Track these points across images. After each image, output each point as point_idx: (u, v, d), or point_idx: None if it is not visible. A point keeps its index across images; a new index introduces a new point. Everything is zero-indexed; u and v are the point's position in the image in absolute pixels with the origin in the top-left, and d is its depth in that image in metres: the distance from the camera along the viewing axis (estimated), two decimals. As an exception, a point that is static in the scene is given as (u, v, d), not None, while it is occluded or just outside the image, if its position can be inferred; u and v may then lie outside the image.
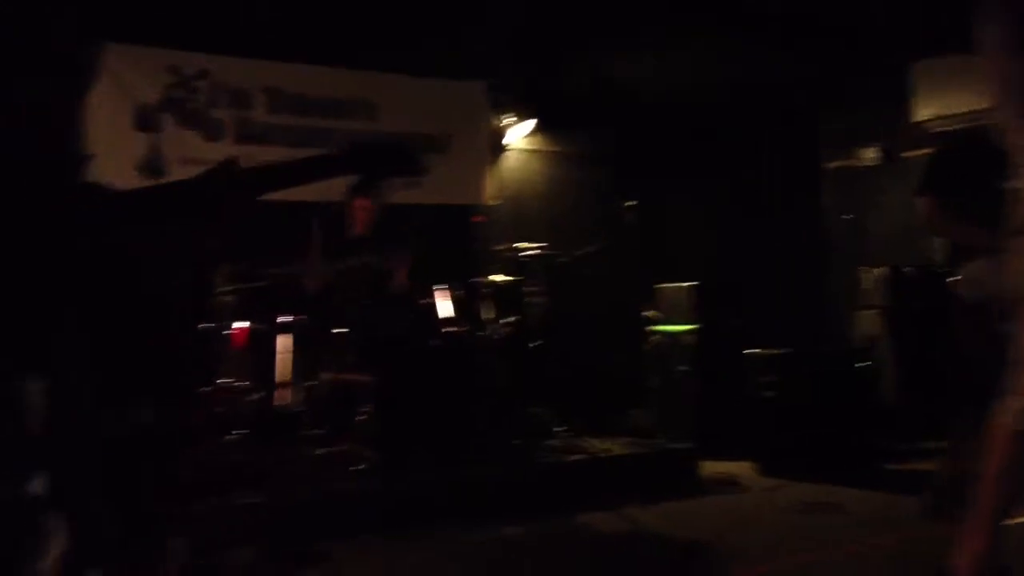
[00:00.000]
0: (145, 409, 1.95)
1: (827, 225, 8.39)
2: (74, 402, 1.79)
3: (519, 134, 7.94)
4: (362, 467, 4.99)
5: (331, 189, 4.61)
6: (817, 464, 5.83)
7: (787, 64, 7.42)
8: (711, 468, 5.95)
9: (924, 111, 7.48)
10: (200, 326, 5.18)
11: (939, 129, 7.15)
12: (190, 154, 6.33)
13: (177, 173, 6.26)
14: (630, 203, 6.69)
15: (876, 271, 6.85)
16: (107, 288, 1.81)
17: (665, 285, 7.15)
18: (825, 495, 5.35)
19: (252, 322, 5.40)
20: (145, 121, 6.19)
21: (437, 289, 5.66)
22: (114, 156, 5.73)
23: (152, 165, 6.14)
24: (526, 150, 8.17)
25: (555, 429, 5.81)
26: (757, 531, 4.66)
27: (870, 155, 7.54)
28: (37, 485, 1.72)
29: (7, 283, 1.66)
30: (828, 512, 5.00)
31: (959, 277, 4.21)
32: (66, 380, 1.77)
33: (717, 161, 8.42)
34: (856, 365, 6.22)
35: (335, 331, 5.39)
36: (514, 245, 6.36)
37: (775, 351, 6.23)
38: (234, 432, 5.01)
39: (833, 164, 8.27)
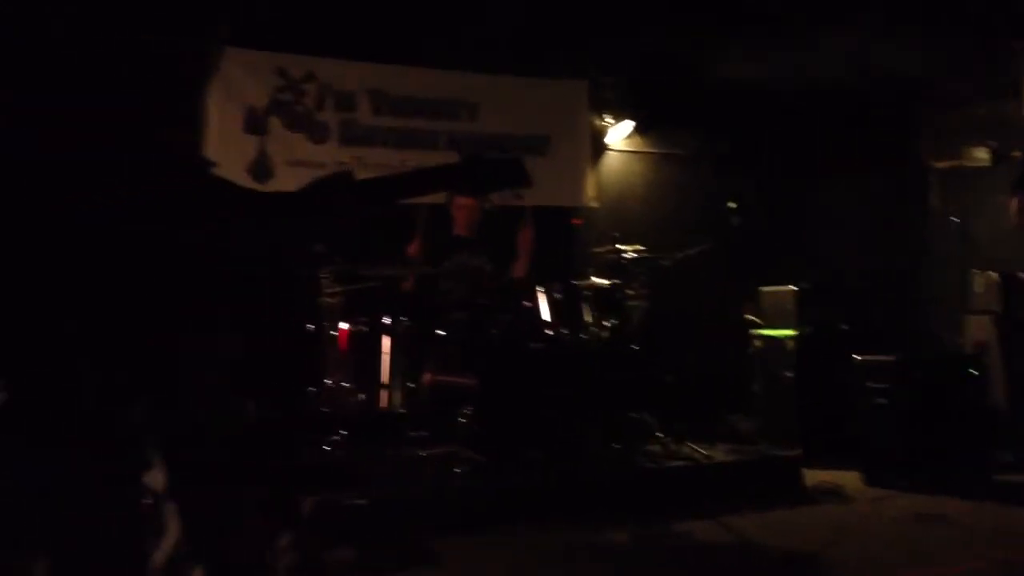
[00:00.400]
0: (260, 406, 1.97)
1: (934, 227, 8.16)
2: (195, 396, 1.82)
3: (620, 134, 7.89)
4: (464, 468, 5.01)
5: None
6: (926, 474, 5.66)
7: (896, 58, 7.22)
8: (815, 476, 5.81)
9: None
10: (307, 326, 5.27)
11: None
12: (296, 156, 6.46)
13: (283, 175, 6.40)
14: (732, 204, 6.59)
15: (988, 275, 6.62)
16: (232, 284, 1.84)
17: (768, 288, 7.03)
18: (935, 506, 5.19)
19: (356, 323, 5.47)
20: (254, 124, 6.33)
21: (538, 291, 5.66)
22: (226, 159, 5.83)
23: (260, 168, 6.28)
24: (626, 150, 8.11)
25: (657, 434, 5.75)
26: (865, 543, 4.54)
27: (980, 155, 7.31)
28: (152, 478, 1.76)
29: (145, 277, 1.69)
30: (939, 524, 4.85)
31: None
32: (190, 374, 1.80)
33: (821, 161, 8.24)
34: (966, 372, 6.03)
35: (438, 332, 5.43)
36: (615, 247, 6.31)
37: (886, 357, 6.06)
38: (338, 432, 5.08)
39: (941, 164, 8.03)
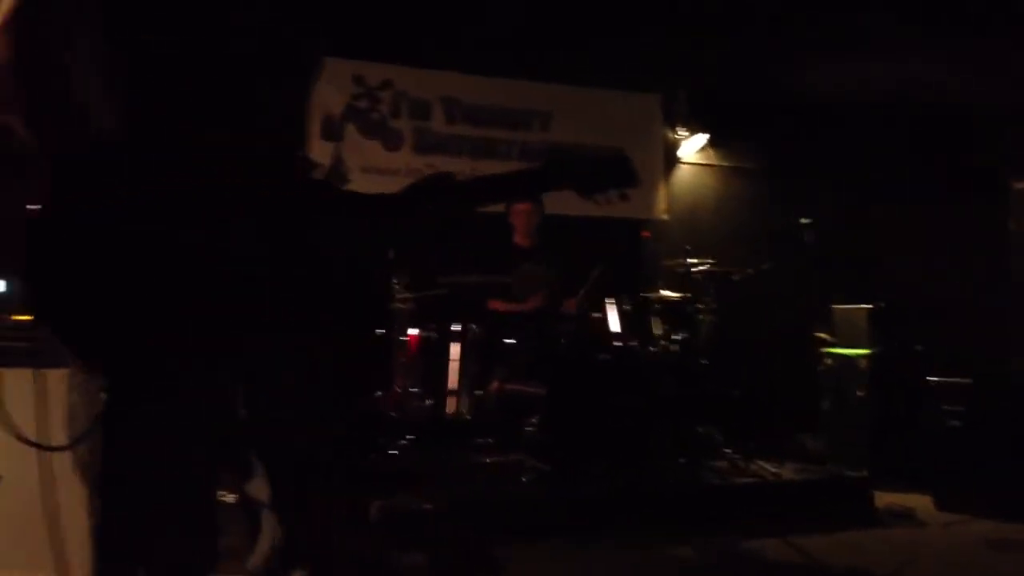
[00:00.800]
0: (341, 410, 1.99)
1: (1013, 249, 7.98)
2: (295, 405, 1.84)
3: (692, 148, 7.87)
4: (529, 477, 5.01)
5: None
6: (999, 500, 5.54)
7: (977, 77, 7.11)
8: (884, 499, 5.71)
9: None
10: (380, 331, 5.33)
11: None
12: (370, 163, 6.53)
13: (357, 181, 6.46)
14: (806, 220, 6.52)
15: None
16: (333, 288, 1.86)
17: (841, 306, 6.94)
18: (1009, 533, 5.07)
19: (425, 329, 5.52)
20: (330, 130, 6.41)
21: (607, 302, 5.65)
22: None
23: (336, 174, 6.35)
24: (698, 164, 8.08)
25: (724, 450, 5.69)
26: (937, 569, 4.46)
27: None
28: (254, 485, 1.79)
29: (249, 279, 1.71)
30: (1012, 551, 4.75)
31: None
32: (289, 383, 1.82)
33: (897, 179, 8.13)
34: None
35: (506, 340, 5.44)
36: (685, 261, 6.28)
37: (962, 380, 5.95)
38: (405, 437, 5.11)
39: (1022, 185, 7.87)
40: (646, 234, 7.29)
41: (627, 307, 5.71)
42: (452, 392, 5.39)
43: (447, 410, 5.37)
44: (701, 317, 6.10)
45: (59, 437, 1.79)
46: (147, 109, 1.71)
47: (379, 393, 5.18)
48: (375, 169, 6.57)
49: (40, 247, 1.59)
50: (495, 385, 5.46)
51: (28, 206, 1.60)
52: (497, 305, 5.83)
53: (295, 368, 1.81)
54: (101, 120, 1.70)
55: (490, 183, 1.98)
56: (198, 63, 1.74)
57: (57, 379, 1.79)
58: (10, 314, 3.54)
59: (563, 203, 5.91)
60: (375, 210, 1.92)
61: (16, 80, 1.64)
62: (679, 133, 7.79)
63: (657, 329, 5.76)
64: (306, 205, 1.84)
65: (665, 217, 7.66)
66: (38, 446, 1.89)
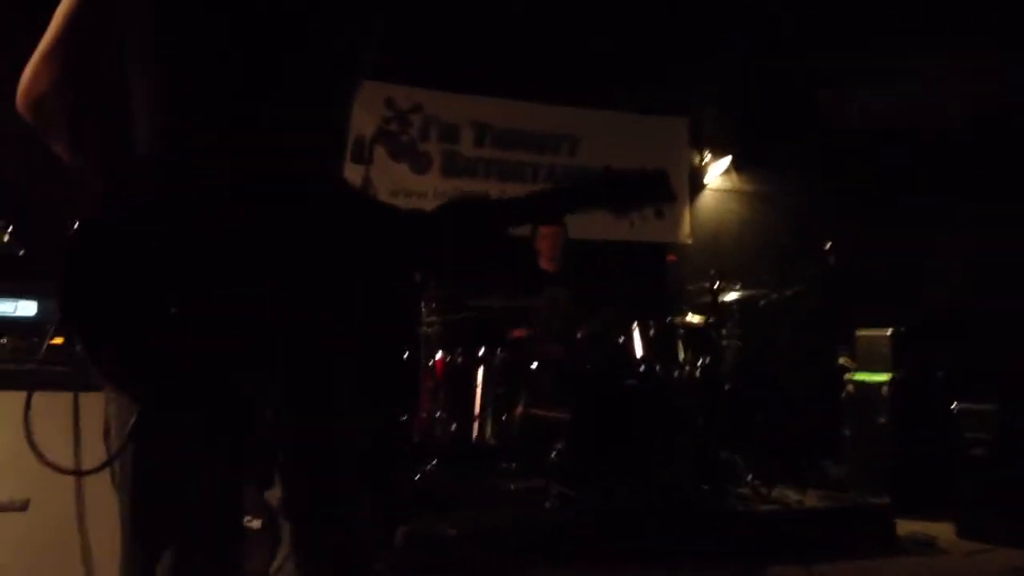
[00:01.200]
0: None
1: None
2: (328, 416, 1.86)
3: (716, 172, 7.90)
4: (553, 502, 5.04)
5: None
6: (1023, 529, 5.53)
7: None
8: (907, 526, 5.70)
9: None
10: (406, 355, 5.38)
11: None
12: (399, 186, 6.60)
13: (385, 203, 6.53)
14: (829, 245, 6.53)
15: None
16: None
17: (864, 331, 6.94)
18: (1035, 564, 5.08)
19: (451, 353, 5.56)
20: (359, 153, 6.47)
21: (633, 327, 5.68)
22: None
23: (366, 197, 6.42)
24: (722, 189, 8.11)
25: (748, 477, 5.70)
26: (959, 599, 4.47)
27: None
28: (272, 495, 1.82)
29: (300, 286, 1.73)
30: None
31: None
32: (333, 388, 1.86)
33: (921, 204, 8.11)
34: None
35: (532, 365, 5.48)
36: (712, 286, 6.30)
37: (985, 406, 5.94)
38: (430, 461, 5.16)
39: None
40: (672, 258, 7.32)
41: (652, 332, 5.73)
42: (477, 417, 5.43)
43: (472, 435, 5.40)
44: (725, 342, 6.13)
45: (94, 460, 1.83)
46: (194, 130, 1.72)
47: (405, 417, 5.22)
48: (403, 191, 6.64)
49: (76, 266, 1.61)
50: (520, 410, 5.49)
51: (67, 226, 1.62)
52: (520, 334, 5.88)
53: (328, 378, 1.83)
54: (148, 143, 1.72)
55: (521, 203, 1.91)
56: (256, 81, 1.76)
57: (93, 401, 1.82)
58: (44, 337, 3.62)
59: (588, 228, 5.98)
60: (405, 228, 1.93)
61: (62, 106, 1.65)
62: (705, 157, 7.82)
63: (682, 354, 5.78)
64: (349, 218, 1.85)
65: (690, 241, 7.69)
66: (62, 470, 1.90)
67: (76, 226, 1.61)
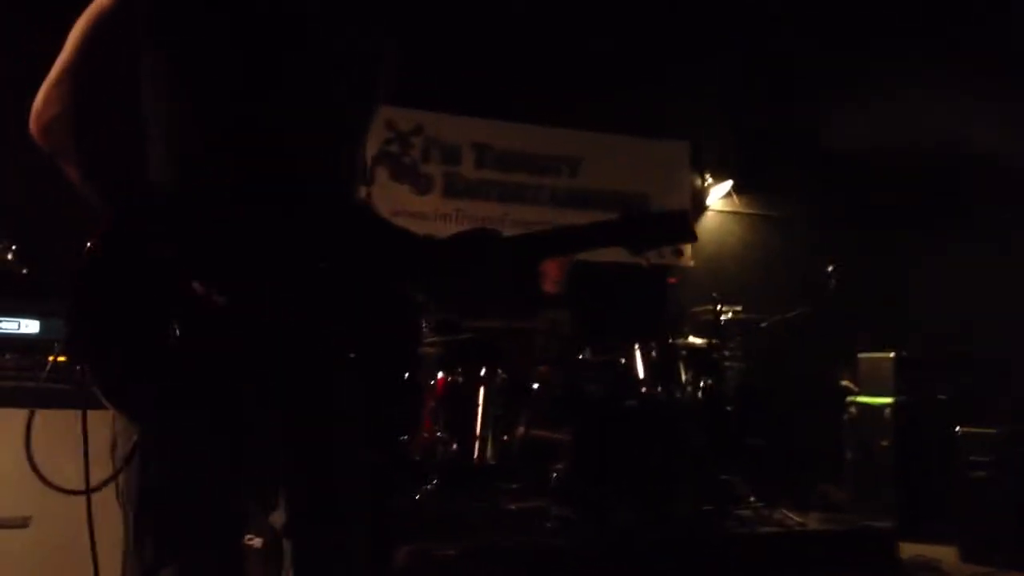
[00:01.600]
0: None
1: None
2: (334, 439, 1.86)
3: (717, 195, 7.92)
4: (554, 524, 5.02)
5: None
6: (1027, 553, 5.50)
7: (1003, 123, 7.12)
8: (910, 550, 5.68)
9: None
10: (407, 375, 5.36)
11: None
12: (400, 207, 6.61)
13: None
14: (831, 268, 6.54)
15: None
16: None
17: (866, 355, 6.94)
18: (1037, 588, 5.05)
19: (451, 374, 5.55)
20: (362, 175, 6.50)
21: (635, 349, 5.68)
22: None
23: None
24: (724, 211, 8.13)
25: (749, 499, 5.69)
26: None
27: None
28: (277, 516, 1.82)
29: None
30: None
31: None
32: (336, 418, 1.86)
33: (923, 227, 8.13)
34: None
35: (532, 386, 5.48)
36: (712, 308, 6.30)
37: (988, 430, 5.92)
38: (430, 482, 5.14)
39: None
40: (672, 280, 7.32)
41: (653, 353, 5.72)
42: (477, 437, 5.41)
43: (472, 455, 5.38)
44: (727, 364, 6.13)
45: (99, 477, 1.83)
46: (211, 157, 1.74)
47: (405, 437, 5.20)
48: (405, 213, 6.65)
49: (86, 289, 1.63)
50: (520, 431, 5.48)
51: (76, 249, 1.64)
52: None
53: (328, 382, 1.83)
54: (159, 170, 1.73)
55: (540, 240, 1.90)
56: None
57: (99, 420, 1.82)
58: (46, 355, 3.63)
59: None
60: (419, 251, 1.94)
61: (74, 131, 1.66)
62: (706, 180, 7.84)
63: (683, 376, 5.78)
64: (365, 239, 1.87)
65: (691, 264, 7.70)
66: (64, 490, 1.90)
67: (86, 248, 1.63)
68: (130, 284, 1.64)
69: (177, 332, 1.61)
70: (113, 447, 1.75)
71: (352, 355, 1.83)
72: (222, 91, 1.74)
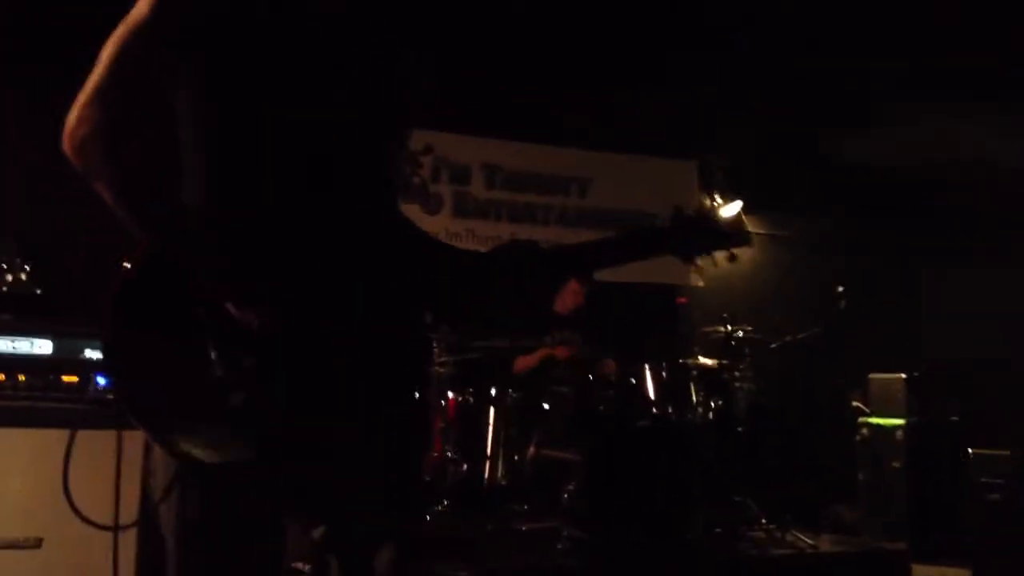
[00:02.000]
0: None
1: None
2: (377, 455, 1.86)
3: (726, 215, 7.91)
4: (565, 545, 5.00)
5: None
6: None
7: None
8: (923, 572, 5.65)
9: None
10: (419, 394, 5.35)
11: None
12: (409, 227, 6.62)
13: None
14: (842, 288, 6.53)
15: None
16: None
17: (877, 375, 6.91)
18: (1052, 611, 5.01)
19: (462, 393, 5.54)
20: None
21: (645, 369, 5.67)
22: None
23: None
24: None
25: (761, 520, 5.66)
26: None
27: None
28: (319, 531, 1.82)
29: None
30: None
31: None
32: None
33: (935, 246, 8.13)
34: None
35: (544, 406, 5.47)
36: (722, 328, 6.29)
37: (1001, 452, 5.90)
38: (440, 502, 5.13)
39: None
40: (682, 300, 7.32)
41: (664, 374, 5.71)
42: (488, 457, 5.40)
43: (483, 476, 5.37)
44: (738, 385, 6.11)
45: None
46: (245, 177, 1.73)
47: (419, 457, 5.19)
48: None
49: (122, 316, 1.63)
50: (532, 451, 5.47)
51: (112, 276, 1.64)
52: (523, 363, 5.88)
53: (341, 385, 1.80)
54: (197, 189, 1.73)
55: (588, 250, 1.93)
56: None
57: (134, 440, 1.81)
58: (59, 374, 3.63)
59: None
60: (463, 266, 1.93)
61: (104, 151, 1.64)
62: (716, 200, 7.83)
63: (694, 396, 5.77)
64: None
65: (700, 283, 7.69)
66: (94, 524, 1.89)
67: (120, 272, 1.63)
68: (166, 309, 1.64)
69: (214, 358, 1.60)
70: (145, 474, 1.74)
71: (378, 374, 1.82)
72: (271, 106, 1.72)
